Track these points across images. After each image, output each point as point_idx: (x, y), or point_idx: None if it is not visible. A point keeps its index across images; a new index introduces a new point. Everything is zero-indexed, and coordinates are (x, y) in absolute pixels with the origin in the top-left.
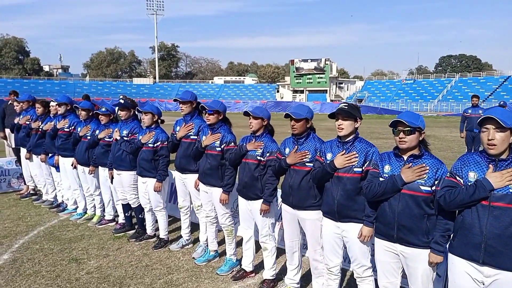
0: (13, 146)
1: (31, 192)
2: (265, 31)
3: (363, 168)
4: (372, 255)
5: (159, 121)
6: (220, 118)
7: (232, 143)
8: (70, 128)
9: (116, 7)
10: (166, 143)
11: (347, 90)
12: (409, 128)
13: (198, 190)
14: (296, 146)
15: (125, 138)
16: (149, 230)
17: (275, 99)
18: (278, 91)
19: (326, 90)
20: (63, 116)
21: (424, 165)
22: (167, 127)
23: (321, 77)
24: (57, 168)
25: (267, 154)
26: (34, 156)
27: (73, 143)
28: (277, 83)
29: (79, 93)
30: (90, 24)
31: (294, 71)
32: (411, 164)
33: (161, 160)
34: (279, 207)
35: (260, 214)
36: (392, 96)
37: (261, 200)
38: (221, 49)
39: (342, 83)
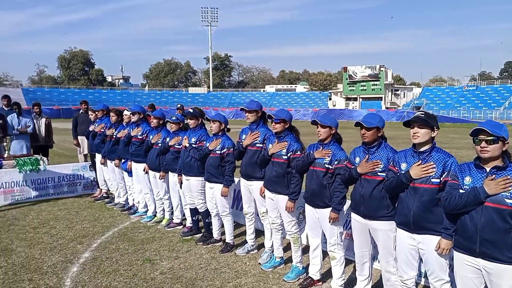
0: (85, 152)
1: (104, 195)
2: (317, 39)
3: (441, 179)
4: (451, 269)
5: (226, 129)
6: (286, 126)
7: (299, 152)
8: (143, 136)
9: (173, 20)
10: (232, 149)
11: (404, 97)
12: (492, 138)
13: (264, 197)
14: (367, 156)
15: (194, 145)
16: (216, 234)
17: (327, 107)
18: (330, 99)
19: (381, 98)
20: (136, 124)
21: (508, 177)
22: (232, 134)
23: (376, 84)
24: (130, 173)
25: (335, 162)
26: (108, 161)
27: (145, 149)
28: (329, 91)
29: (139, 102)
30: (150, 37)
31: (347, 78)
32: (494, 176)
33: (227, 166)
34: (346, 216)
35: (329, 223)
36: (452, 103)
37: (329, 208)
38: (273, 58)
39: (398, 90)
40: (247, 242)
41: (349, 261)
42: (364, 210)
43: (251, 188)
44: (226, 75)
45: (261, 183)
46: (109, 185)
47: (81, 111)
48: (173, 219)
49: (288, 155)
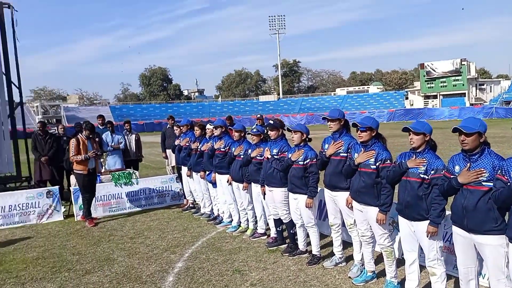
0: (173, 164)
1: (190, 205)
2: (389, 36)
3: None
4: None
5: (307, 139)
6: (373, 134)
7: (388, 161)
8: (226, 148)
9: (242, 32)
10: (315, 160)
11: (490, 91)
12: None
13: (351, 208)
14: (468, 164)
15: (276, 157)
16: (301, 245)
17: (404, 107)
18: (407, 98)
19: (464, 93)
20: (219, 138)
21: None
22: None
23: (457, 80)
24: (214, 184)
25: (432, 172)
26: (194, 174)
27: (229, 161)
28: (405, 90)
29: (213, 113)
30: (221, 50)
31: (424, 75)
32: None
33: (311, 177)
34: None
35: (427, 237)
36: None
37: (427, 221)
38: (343, 60)
39: (483, 84)
40: (334, 254)
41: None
42: (468, 223)
43: (336, 199)
44: (296, 81)
45: (346, 193)
46: (195, 196)
47: (168, 125)
48: (257, 229)
49: (377, 164)
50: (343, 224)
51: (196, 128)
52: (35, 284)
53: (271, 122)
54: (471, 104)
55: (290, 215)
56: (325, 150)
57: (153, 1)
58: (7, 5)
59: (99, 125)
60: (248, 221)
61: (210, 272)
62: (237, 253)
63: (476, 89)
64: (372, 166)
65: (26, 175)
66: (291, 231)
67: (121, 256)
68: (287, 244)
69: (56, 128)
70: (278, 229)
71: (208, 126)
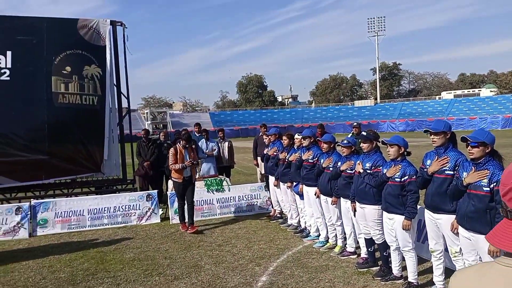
0: (263, 172)
1: (278, 215)
2: (506, 33)
3: None
4: None
5: (406, 153)
6: (487, 151)
7: None
8: (314, 160)
9: (338, 36)
10: (414, 177)
11: None
12: None
13: (456, 234)
14: None
15: (368, 171)
16: (395, 270)
17: None
18: None
19: None
20: (307, 148)
21: None
22: (418, 159)
23: None
24: (301, 196)
25: None
26: (281, 184)
27: (317, 173)
28: None
29: (306, 119)
30: (316, 55)
31: None
32: None
33: (409, 196)
34: None
35: None
36: None
37: None
38: (449, 61)
39: None
40: (434, 284)
41: None
42: None
43: (439, 223)
44: (395, 85)
45: (451, 217)
46: (282, 207)
47: (260, 133)
48: (346, 247)
49: (491, 186)
50: (446, 249)
51: (284, 137)
52: (129, 286)
53: (364, 133)
54: None
55: (383, 236)
56: (427, 166)
57: (250, 12)
58: (119, 23)
59: (195, 133)
60: (336, 237)
61: None
62: (323, 271)
63: None
64: (485, 188)
65: (131, 178)
66: (384, 253)
67: (208, 263)
68: (379, 267)
69: (158, 135)
70: (369, 249)
71: (296, 136)
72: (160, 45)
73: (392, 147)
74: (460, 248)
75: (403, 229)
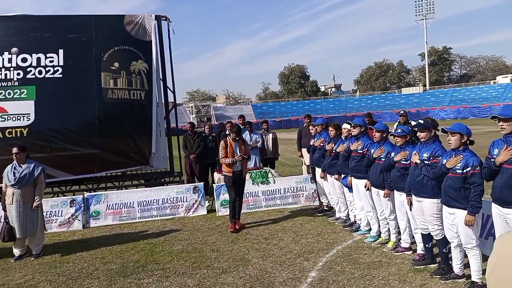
0: (308, 164)
1: (325, 208)
2: None
3: None
4: None
5: (469, 141)
6: None
7: None
8: (364, 150)
9: (383, 21)
10: (478, 168)
11: None
12: None
13: None
14: None
15: (426, 162)
16: (457, 268)
17: None
18: None
19: None
20: (356, 138)
21: None
22: (478, 148)
23: None
24: (350, 188)
25: None
26: (328, 176)
27: (367, 164)
28: None
29: (350, 108)
30: (359, 42)
31: None
32: None
33: (472, 189)
34: None
35: None
36: None
37: None
38: (506, 42)
39: None
40: None
41: None
42: None
43: (509, 218)
44: (446, 70)
45: None
46: (330, 199)
47: (305, 124)
48: (400, 242)
49: None
50: None
51: (330, 128)
52: (178, 278)
53: (421, 121)
54: None
55: (443, 231)
56: (495, 156)
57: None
58: (164, 18)
59: (239, 125)
60: (389, 232)
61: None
62: (376, 268)
63: None
64: None
65: (178, 170)
66: (444, 250)
67: (255, 257)
68: (438, 264)
69: (203, 128)
70: (427, 245)
71: (344, 125)
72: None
73: (454, 136)
74: None
75: (466, 225)
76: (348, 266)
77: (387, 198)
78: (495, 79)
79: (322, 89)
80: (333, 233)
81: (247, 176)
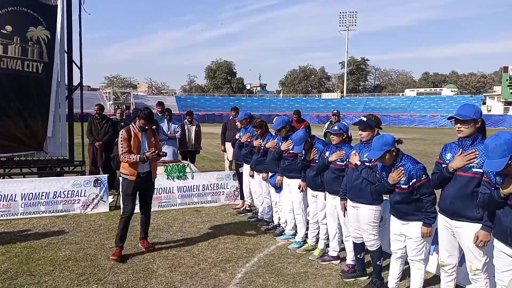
0: (231, 159)
1: (247, 208)
2: (469, 37)
3: None
4: None
5: (396, 143)
6: None
7: None
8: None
9: (309, 28)
10: (425, 177)
11: None
12: None
13: (480, 248)
14: None
15: (367, 164)
16: (393, 283)
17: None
18: (484, 103)
19: None
20: (285, 138)
21: None
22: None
23: None
24: (278, 188)
25: None
26: (255, 174)
27: (302, 166)
28: (483, 94)
29: (273, 108)
30: (286, 46)
31: (507, 80)
32: None
33: (425, 200)
34: None
35: None
36: None
37: None
38: (415, 60)
39: None
40: None
41: None
42: None
43: (457, 231)
44: (362, 80)
45: (476, 226)
46: (254, 199)
47: (231, 117)
48: (328, 250)
49: None
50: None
51: (255, 128)
52: None
53: (364, 119)
54: None
55: (379, 242)
56: (447, 161)
57: None
58: None
59: (158, 113)
60: (317, 238)
61: None
62: (303, 281)
63: None
64: None
65: (80, 159)
66: (378, 262)
67: (162, 267)
68: (369, 278)
69: (114, 112)
70: (358, 256)
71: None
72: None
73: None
74: (484, 265)
75: (423, 237)
76: (271, 279)
77: (324, 200)
78: (404, 92)
79: (248, 87)
80: (254, 237)
81: (162, 169)
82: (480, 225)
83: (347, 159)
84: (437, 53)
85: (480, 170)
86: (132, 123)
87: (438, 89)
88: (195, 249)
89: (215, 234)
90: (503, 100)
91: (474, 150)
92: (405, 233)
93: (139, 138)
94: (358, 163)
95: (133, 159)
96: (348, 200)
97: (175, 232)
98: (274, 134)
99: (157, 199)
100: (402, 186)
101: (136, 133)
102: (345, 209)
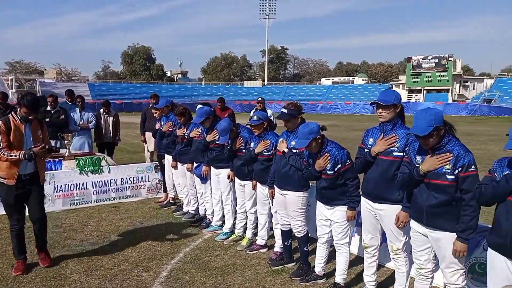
0: (151, 150)
1: (170, 201)
2: (378, 29)
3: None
4: None
5: (321, 129)
6: (441, 134)
7: (473, 167)
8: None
9: (231, 15)
10: (349, 162)
11: (473, 88)
12: None
13: (401, 228)
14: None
15: (294, 151)
16: (319, 267)
17: None
18: None
19: (448, 90)
20: (210, 129)
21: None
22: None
23: (443, 75)
24: (204, 179)
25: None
26: (179, 165)
27: (229, 156)
28: (390, 83)
29: (196, 96)
30: (208, 32)
31: (410, 69)
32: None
33: (349, 184)
34: None
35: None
36: None
37: None
38: (330, 49)
39: (467, 82)
40: (365, 286)
41: None
42: None
43: (379, 214)
44: (282, 68)
45: (397, 208)
46: (178, 191)
47: (150, 105)
48: (256, 239)
49: (456, 173)
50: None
51: (178, 116)
52: None
53: (285, 110)
54: (453, 101)
55: (306, 228)
56: (369, 146)
57: None
58: None
59: (67, 101)
60: (244, 228)
61: None
62: (231, 273)
63: (460, 86)
64: (449, 177)
65: None
66: (305, 248)
67: (76, 271)
68: (297, 264)
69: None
70: (286, 243)
71: (199, 107)
72: (34, 3)
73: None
74: (404, 245)
75: (348, 220)
76: (198, 274)
77: (254, 189)
78: (320, 81)
79: (168, 74)
80: (179, 231)
81: (73, 163)
82: (401, 206)
83: (274, 148)
84: (350, 43)
85: (401, 154)
86: (13, 113)
87: (351, 78)
88: (114, 249)
89: (136, 231)
90: (407, 88)
91: (394, 135)
92: (331, 218)
93: (22, 130)
94: (286, 150)
95: (16, 156)
96: (276, 187)
97: (91, 232)
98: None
99: (69, 196)
100: (328, 172)
101: (17, 125)
102: (273, 197)
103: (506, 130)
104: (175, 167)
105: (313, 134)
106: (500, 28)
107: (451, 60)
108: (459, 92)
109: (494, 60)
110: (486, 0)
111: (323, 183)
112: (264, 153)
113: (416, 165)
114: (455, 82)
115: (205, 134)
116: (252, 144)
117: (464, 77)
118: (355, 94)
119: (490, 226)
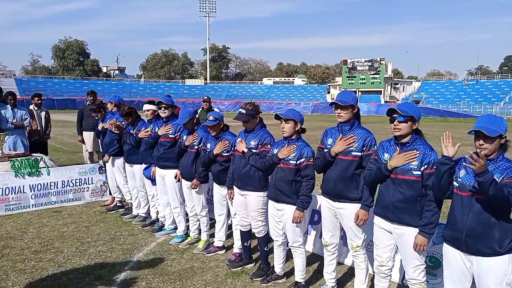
0: (90, 150)
1: (117, 204)
2: (316, 32)
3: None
4: None
5: (301, 130)
6: (414, 128)
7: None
8: (176, 135)
9: (172, 11)
10: (312, 160)
11: (403, 91)
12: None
13: (360, 226)
14: None
15: (254, 150)
16: (278, 268)
17: (326, 100)
18: (328, 92)
19: (380, 91)
20: (165, 121)
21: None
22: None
23: (375, 78)
24: (153, 181)
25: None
26: (127, 166)
27: (178, 153)
28: (328, 84)
29: (134, 93)
30: (147, 28)
31: (346, 71)
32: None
33: (305, 182)
34: None
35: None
36: (452, 97)
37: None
38: (271, 50)
39: (397, 84)
40: (325, 283)
41: None
42: None
43: (339, 212)
44: (224, 67)
45: (356, 206)
46: (124, 193)
47: (87, 102)
48: (213, 241)
49: (422, 169)
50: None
51: (124, 117)
52: None
53: (243, 111)
54: (386, 102)
55: (266, 228)
56: (328, 146)
57: None
58: None
59: None
60: (199, 229)
61: None
62: (190, 277)
63: (391, 88)
64: (416, 172)
65: None
66: (265, 248)
67: (18, 283)
68: (257, 265)
69: None
70: (245, 244)
71: (145, 106)
72: None
73: (288, 123)
74: (363, 242)
75: (294, 222)
76: (155, 280)
77: (196, 190)
78: (262, 80)
79: (104, 70)
80: (130, 235)
81: (7, 165)
82: (360, 205)
83: (232, 148)
84: (290, 44)
85: (359, 154)
86: None
87: (291, 78)
88: (60, 257)
89: (83, 237)
90: (343, 89)
91: (352, 135)
92: (282, 219)
93: None
94: (245, 150)
95: None
96: (235, 188)
97: (32, 239)
98: (146, 122)
99: (3, 201)
100: (291, 162)
101: None
102: (232, 198)
103: (434, 130)
104: (106, 161)
105: (297, 117)
106: (426, 34)
107: (382, 64)
108: (390, 94)
109: (420, 64)
110: (413, 9)
111: (280, 173)
112: (224, 154)
113: (384, 162)
114: (386, 84)
115: (157, 128)
116: (208, 146)
117: (395, 79)
118: (295, 94)
119: (444, 223)
